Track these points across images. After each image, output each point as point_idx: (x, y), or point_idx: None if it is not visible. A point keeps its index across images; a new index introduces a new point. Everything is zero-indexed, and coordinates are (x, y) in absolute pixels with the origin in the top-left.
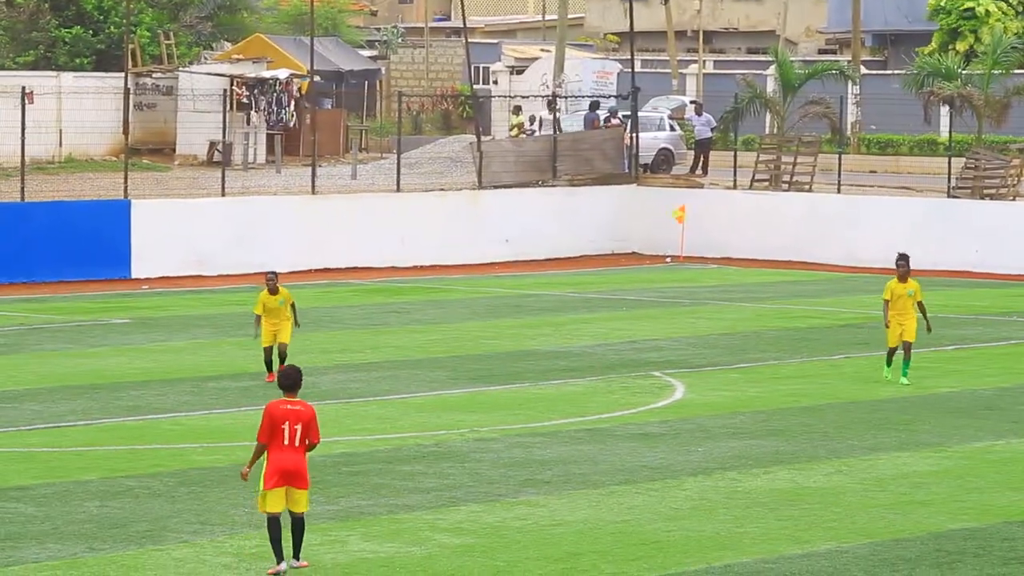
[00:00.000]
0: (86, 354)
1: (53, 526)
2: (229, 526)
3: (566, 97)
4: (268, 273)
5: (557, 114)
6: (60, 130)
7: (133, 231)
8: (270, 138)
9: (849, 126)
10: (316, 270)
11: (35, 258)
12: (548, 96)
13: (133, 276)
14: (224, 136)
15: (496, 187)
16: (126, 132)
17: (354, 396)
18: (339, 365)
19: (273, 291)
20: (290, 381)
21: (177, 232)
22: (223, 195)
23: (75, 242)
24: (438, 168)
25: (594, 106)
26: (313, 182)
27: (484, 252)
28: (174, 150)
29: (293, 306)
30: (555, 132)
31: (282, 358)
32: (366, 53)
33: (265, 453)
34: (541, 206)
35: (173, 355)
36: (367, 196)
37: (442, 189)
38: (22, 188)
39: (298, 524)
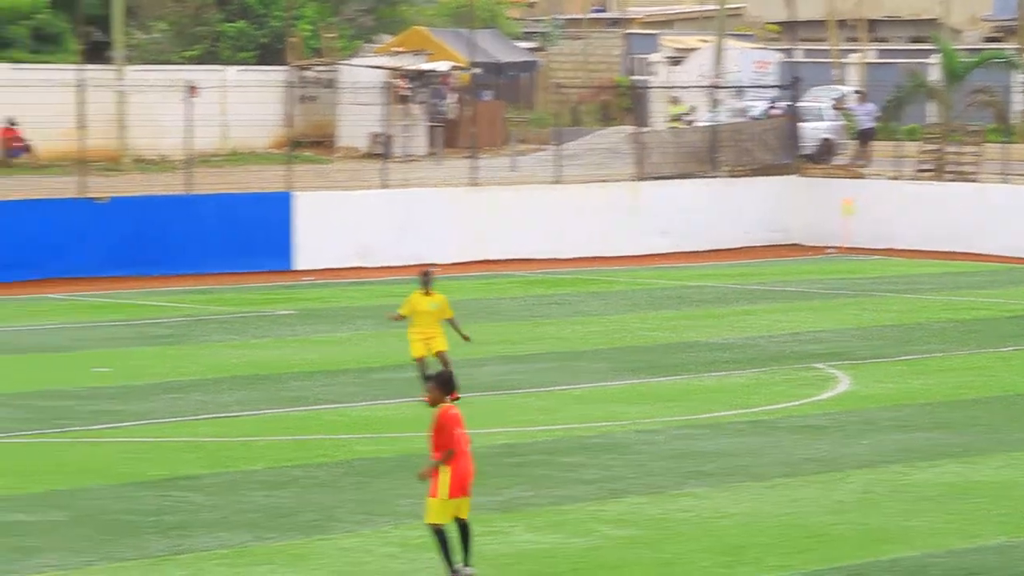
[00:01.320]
0: (251, 345)
1: (221, 515)
2: (394, 516)
3: (726, 87)
4: (425, 271)
5: (719, 105)
6: (225, 123)
7: (295, 223)
8: (430, 130)
9: (1015, 115)
10: (476, 262)
11: (200, 250)
12: (707, 87)
13: (295, 268)
14: (385, 128)
15: (655, 178)
16: (288, 125)
17: (515, 388)
18: (500, 357)
19: (427, 291)
20: (455, 382)
21: (339, 224)
22: (384, 187)
23: (239, 234)
24: (597, 159)
25: (761, 97)
26: (473, 174)
27: (644, 243)
28: (336, 142)
29: (452, 320)
30: (718, 122)
31: (445, 367)
32: (524, 45)
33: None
34: (701, 197)
35: (337, 346)
36: (527, 187)
37: (602, 180)
38: (188, 181)
39: (468, 529)
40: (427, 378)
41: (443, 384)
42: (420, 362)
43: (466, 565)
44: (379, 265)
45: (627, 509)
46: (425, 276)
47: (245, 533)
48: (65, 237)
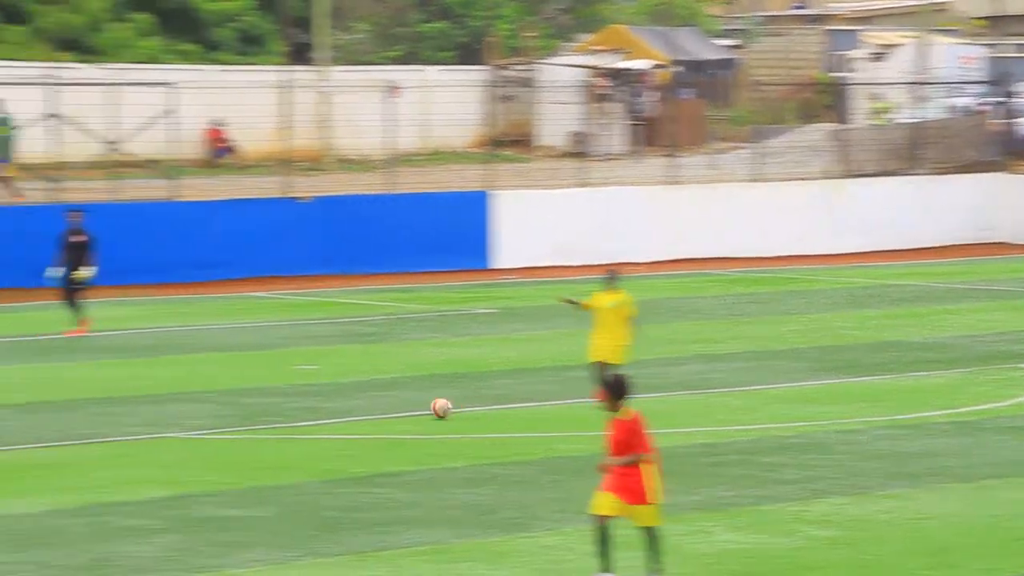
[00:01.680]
0: (452, 343)
1: (422, 512)
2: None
3: (931, 84)
4: (610, 270)
5: (924, 101)
6: (426, 122)
7: (494, 222)
8: (629, 128)
9: None
10: (675, 260)
11: (401, 249)
12: (911, 83)
13: (494, 266)
14: (583, 127)
15: (857, 175)
16: (488, 124)
17: (714, 386)
18: (699, 355)
19: (612, 291)
20: (627, 387)
21: (537, 222)
22: (582, 185)
23: (439, 233)
24: (797, 157)
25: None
26: (672, 172)
27: (845, 241)
28: (535, 141)
29: (633, 319)
30: (922, 119)
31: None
32: (724, 43)
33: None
34: (903, 195)
35: (536, 344)
36: (726, 185)
37: (802, 178)
38: (389, 180)
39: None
40: (602, 383)
41: (613, 389)
42: (596, 367)
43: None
44: (577, 263)
45: (829, 509)
46: (610, 275)
47: (446, 530)
48: (269, 236)
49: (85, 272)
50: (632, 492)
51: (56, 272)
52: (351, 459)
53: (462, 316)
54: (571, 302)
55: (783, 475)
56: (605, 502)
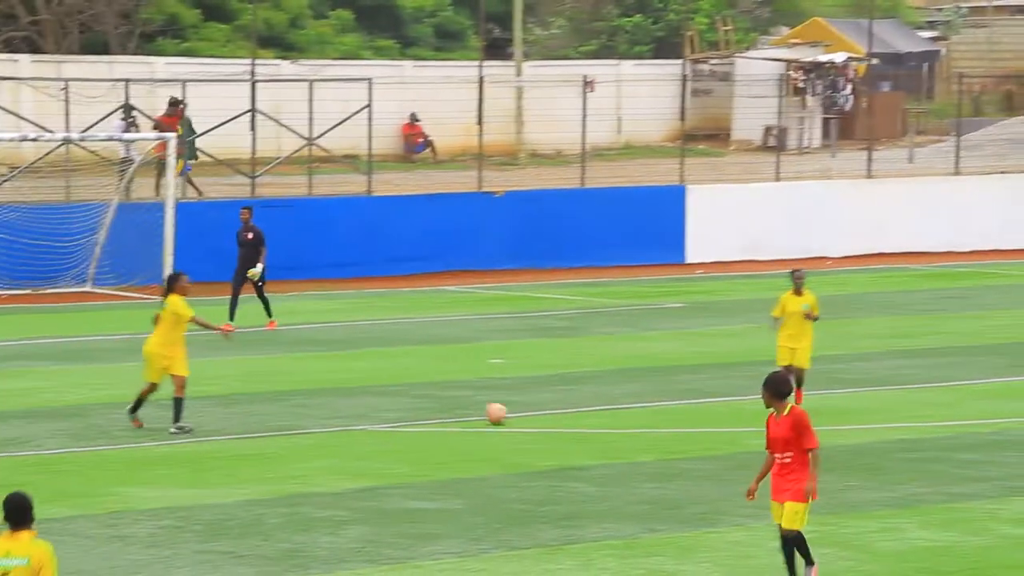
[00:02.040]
0: (642, 337)
1: (611, 506)
2: None
3: None
4: (795, 271)
5: None
6: (619, 117)
7: (688, 216)
8: (825, 122)
9: None
10: (871, 255)
11: (594, 243)
12: None
13: (687, 261)
14: (779, 120)
15: None
16: (683, 118)
17: (911, 382)
18: (896, 351)
19: (798, 292)
20: (789, 385)
21: (731, 217)
22: (777, 179)
23: (631, 227)
24: (999, 150)
25: None
26: (869, 166)
27: None
28: (729, 135)
29: (815, 318)
30: None
31: (799, 383)
32: (926, 34)
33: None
34: None
35: (727, 339)
36: (924, 180)
37: (1003, 172)
38: (582, 174)
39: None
40: (765, 380)
41: (775, 387)
42: (785, 371)
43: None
44: (771, 258)
45: (1021, 508)
46: (795, 276)
47: (634, 524)
48: (463, 230)
49: (257, 269)
50: (791, 491)
51: (255, 271)
52: (540, 453)
53: (653, 310)
54: (773, 325)
55: (979, 472)
56: (778, 512)
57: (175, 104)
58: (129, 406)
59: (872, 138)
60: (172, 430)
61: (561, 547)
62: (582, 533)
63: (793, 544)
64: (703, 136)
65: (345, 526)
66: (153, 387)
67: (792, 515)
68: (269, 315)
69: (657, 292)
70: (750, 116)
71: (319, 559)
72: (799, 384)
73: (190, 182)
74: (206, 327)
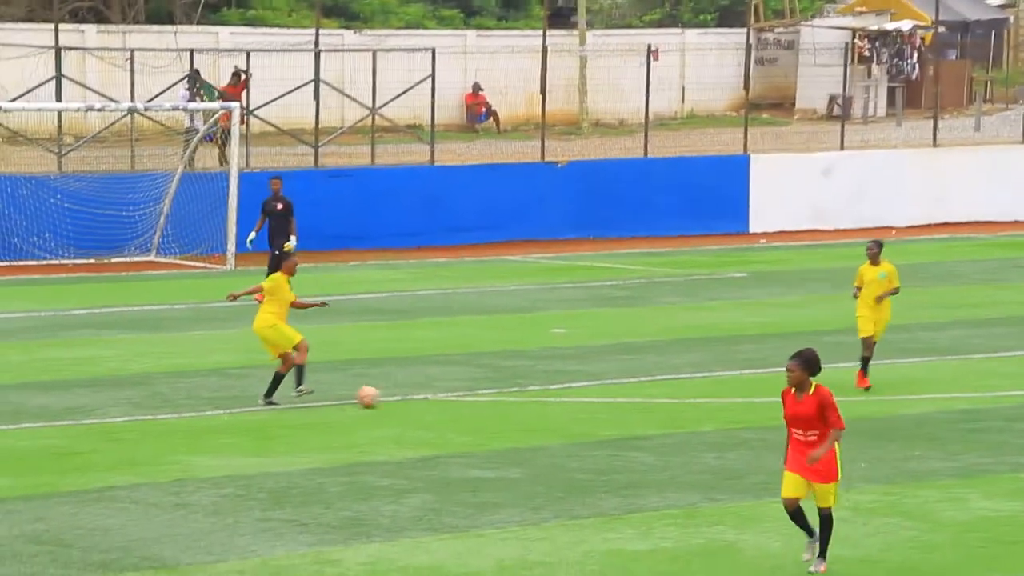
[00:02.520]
0: (704, 307)
1: (671, 475)
2: (846, 480)
3: None
4: (870, 242)
5: None
6: (683, 86)
7: (751, 185)
8: (891, 91)
9: None
10: (936, 224)
11: (656, 213)
12: None
13: (750, 231)
14: (844, 89)
15: None
16: (747, 87)
17: (974, 352)
18: (961, 320)
19: (875, 262)
20: (819, 363)
21: (794, 186)
22: (842, 148)
23: (695, 197)
24: None
25: None
26: (935, 135)
27: None
28: (794, 104)
29: (895, 291)
30: None
31: (868, 356)
32: (994, 2)
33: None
34: None
35: (789, 309)
36: (990, 148)
37: None
38: (645, 144)
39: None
40: (797, 357)
41: (807, 364)
42: (866, 341)
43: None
44: (834, 228)
45: None
46: (868, 249)
47: (695, 494)
48: (525, 200)
49: (292, 242)
50: (819, 472)
51: (252, 235)
52: (602, 422)
53: (715, 280)
54: (856, 294)
55: None
56: (792, 484)
57: (239, 74)
58: (264, 392)
59: (938, 107)
60: (294, 394)
61: (621, 516)
62: (642, 502)
63: (826, 521)
64: (767, 105)
65: (406, 495)
66: (284, 361)
67: (824, 494)
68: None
69: (719, 262)
70: (815, 85)
71: (381, 527)
72: (869, 357)
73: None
74: (305, 307)
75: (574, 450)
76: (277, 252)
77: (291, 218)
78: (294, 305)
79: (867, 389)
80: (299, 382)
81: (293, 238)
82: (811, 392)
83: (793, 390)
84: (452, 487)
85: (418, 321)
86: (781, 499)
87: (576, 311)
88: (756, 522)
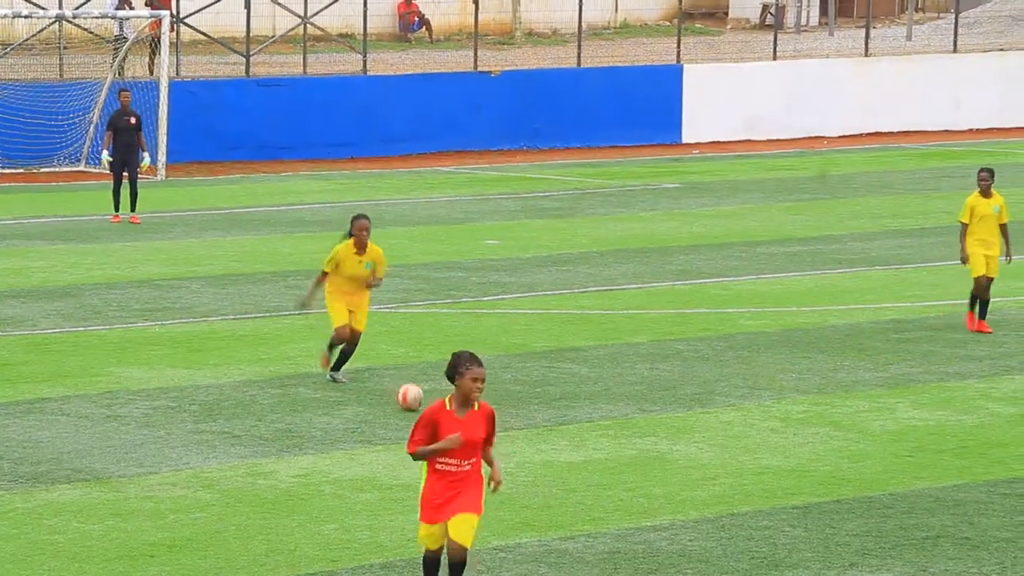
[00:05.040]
0: (637, 218)
1: (605, 387)
2: (776, 391)
3: None
4: (982, 170)
5: None
6: None
7: (684, 96)
8: (823, 0)
9: None
10: (867, 134)
11: (590, 123)
12: None
13: (683, 141)
14: None
15: None
16: None
17: (905, 262)
18: (891, 231)
19: (986, 193)
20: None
21: (727, 97)
22: (774, 59)
23: (628, 107)
24: (999, 27)
25: None
26: (867, 44)
27: None
28: (727, 14)
29: (1005, 227)
30: None
31: (985, 298)
32: None
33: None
34: None
35: (722, 220)
36: (922, 58)
37: (1001, 49)
38: (579, 54)
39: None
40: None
41: (447, 366)
42: (979, 281)
43: None
44: (767, 138)
45: (1018, 387)
46: (981, 177)
47: (628, 405)
48: (458, 111)
49: (146, 160)
50: (473, 501)
51: (109, 157)
52: (535, 334)
53: (648, 191)
54: (963, 238)
55: (972, 352)
56: (437, 534)
57: None
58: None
59: (870, 16)
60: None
61: (554, 428)
62: (575, 414)
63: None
64: (700, 15)
65: (340, 407)
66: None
67: (468, 529)
68: (133, 208)
69: (653, 172)
70: None
71: (314, 439)
72: (985, 299)
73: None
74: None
75: (507, 361)
76: (128, 170)
77: (140, 133)
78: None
79: (981, 333)
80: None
81: (146, 155)
82: (477, 408)
83: (454, 406)
84: (385, 399)
85: None
86: (425, 551)
87: (509, 222)
88: (688, 433)
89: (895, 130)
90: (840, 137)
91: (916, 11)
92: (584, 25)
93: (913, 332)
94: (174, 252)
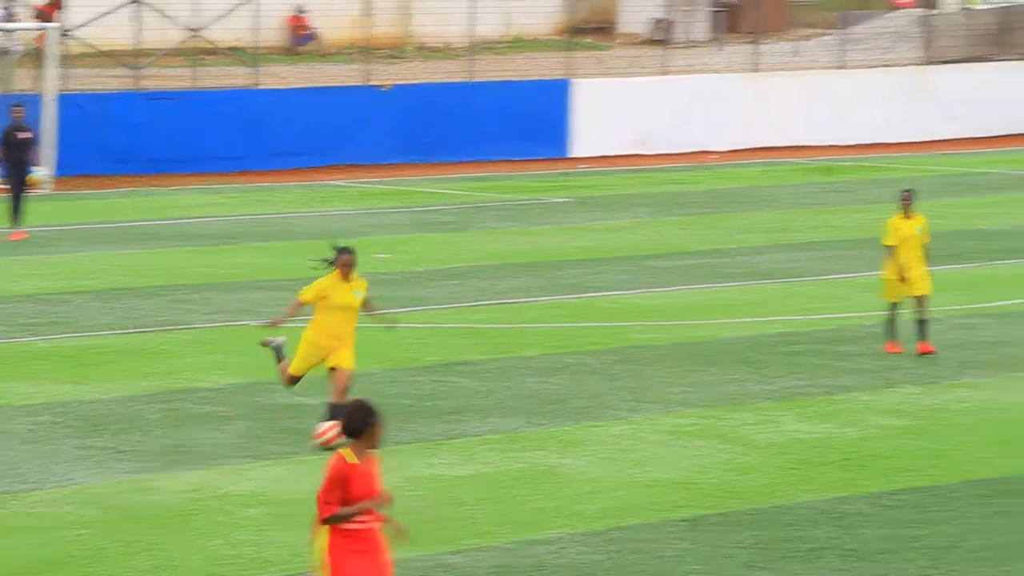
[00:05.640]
0: (528, 232)
1: (495, 401)
2: (665, 404)
3: None
4: (904, 191)
5: None
6: (507, 10)
7: (574, 111)
8: (714, 15)
9: None
10: (756, 149)
11: (480, 138)
12: None
13: (573, 155)
14: (666, 13)
15: (944, 62)
16: (570, 11)
17: (794, 276)
18: (779, 244)
19: (908, 213)
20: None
21: (617, 111)
22: (663, 73)
23: (518, 121)
24: (884, 43)
25: None
26: (755, 59)
27: (930, 129)
28: (616, 29)
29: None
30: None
31: (922, 315)
32: None
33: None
34: (992, 81)
35: (612, 234)
36: (809, 73)
37: (887, 65)
38: (471, 68)
39: None
40: (333, 412)
41: (346, 421)
42: (906, 304)
43: None
44: (656, 152)
45: (901, 399)
46: (904, 197)
47: (518, 419)
48: (349, 124)
49: (37, 175)
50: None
51: (38, 178)
52: (426, 347)
53: (539, 205)
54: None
55: (858, 365)
56: None
57: None
58: None
59: (758, 31)
60: None
61: (444, 442)
62: (465, 428)
63: None
64: (591, 29)
65: (227, 422)
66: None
67: None
68: (18, 223)
69: (543, 187)
70: (637, 9)
71: (201, 455)
72: (923, 319)
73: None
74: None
75: (398, 375)
76: (19, 185)
77: (35, 148)
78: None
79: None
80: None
81: (39, 169)
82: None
83: (357, 458)
84: (272, 414)
85: (239, 246)
86: None
87: (401, 236)
88: (577, 446)
89: (783, 145)
90: (729, 152)
91: (804, 27)
92: (476, 39)
93: (801, 345)
94: (61, 266)
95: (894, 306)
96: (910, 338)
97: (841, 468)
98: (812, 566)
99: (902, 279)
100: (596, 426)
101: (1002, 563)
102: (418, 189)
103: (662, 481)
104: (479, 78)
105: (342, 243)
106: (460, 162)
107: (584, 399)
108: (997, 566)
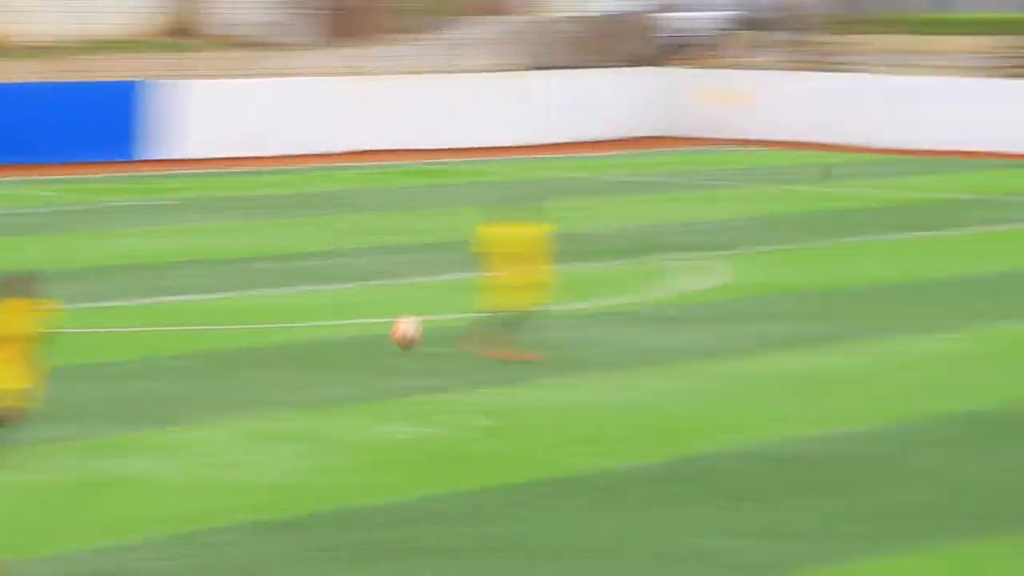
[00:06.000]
0: (120, 234)
1: (76, 406)
2: (252, 407)
3: None
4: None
5: None
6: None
7: (182, 111)
8: (319, 17)
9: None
10: (364, 152)
11: (70, 140)
12: None
13: (178, 157)
14: (266, 15)
15: (541, 68)
16: (161, 11)
17: (393, 277)
18: (383, 247)
19: (520, 219)
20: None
21: (223, 113)
22: (272, 75)
23: (112, 123)
24: (491, 48)
25: None
26: (356, 63)
27: (533, 134)
28: (210, 30)
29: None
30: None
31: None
32: None
33: None
34: (594, 87)
35: (212, 236)
36: (410, 77)
37: (492, 70)
38: (50, 69)
39: None
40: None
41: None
42: (513, 316)
43: None
44: (266, 155)
45: (488, 400)
46: (530, 205)
47: (99, 424)
48: None
49: None
50: None
51: None
52: None
53: (133, 208)
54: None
55: (444, 365)
56: None
57: None
58: None
59: (367, 34)
60: None
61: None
62: (35, 435)
63: None
64: (183, 30)
65: None
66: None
67: None
68: None
69: (140, 188)
70: (236, 10)
71: None
72: (516, 321)
73: None
74: None
75: None
76: None
77: None
78: None
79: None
80: None
81: None
82: None
83: None
84: None
85: None
86: None
87: None
88: (160, 451)
89: (391, 148)
90: (339, 154)
91: (413, 32)
92: (62, 38)
93: (392, 347)
94: None
95: (494, 311)
96: (503, 341)
97: (429, 467)
98: (404, 565)
99: (506, 286)
100: (181, 430)
101: (590, 557)
102: (6, 192)
103: (248, 484)
104: (59, 79)
105: None
106: (49, 164)
107: (170, 403)
108: (588, 559)
